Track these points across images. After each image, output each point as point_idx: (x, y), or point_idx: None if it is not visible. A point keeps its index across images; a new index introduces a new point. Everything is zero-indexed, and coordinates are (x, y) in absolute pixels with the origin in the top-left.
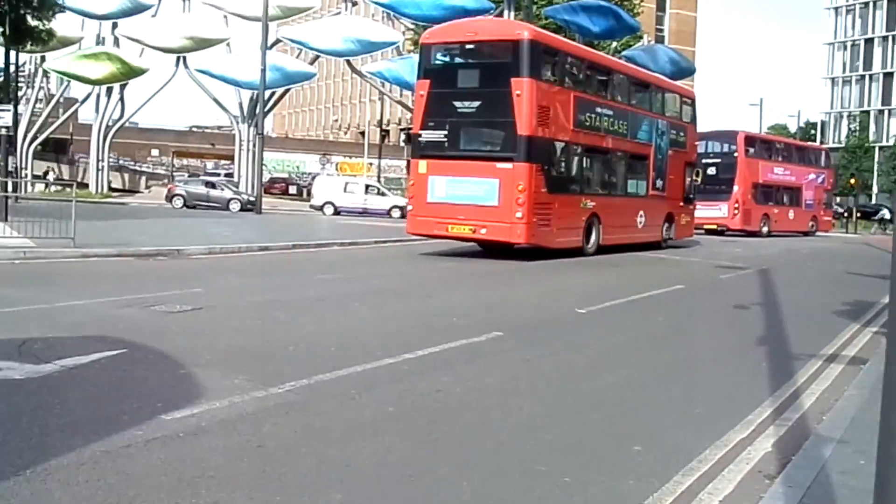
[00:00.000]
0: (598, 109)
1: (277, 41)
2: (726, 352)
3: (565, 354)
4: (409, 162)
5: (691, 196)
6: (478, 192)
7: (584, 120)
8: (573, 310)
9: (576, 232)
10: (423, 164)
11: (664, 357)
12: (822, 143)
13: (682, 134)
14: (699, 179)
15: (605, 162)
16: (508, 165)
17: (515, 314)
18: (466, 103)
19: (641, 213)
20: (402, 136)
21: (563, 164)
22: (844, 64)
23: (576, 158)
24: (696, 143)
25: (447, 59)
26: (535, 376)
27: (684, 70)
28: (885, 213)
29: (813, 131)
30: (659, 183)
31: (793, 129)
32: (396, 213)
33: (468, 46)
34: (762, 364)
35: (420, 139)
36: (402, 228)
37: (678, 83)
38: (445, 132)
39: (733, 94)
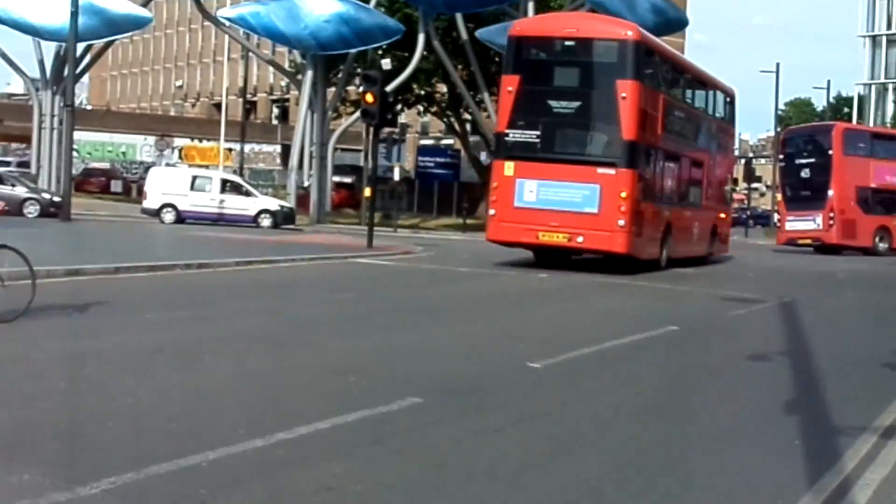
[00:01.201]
0: (677, 113)
1: None
2: (742, 423)
3: (514, 431)
4: (490, 163)
5: (729, 206)
6: (575, 197)
7: (669, 125)
8: (525, 363)
9: (655, 244)
10: (510, 166)
11: (654, 433)
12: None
13: (725, 137)
14: (737, 187)
15: (678, 169)
16: (611, 171)
17: (443, 369)
18: (564, 103)
19: (696, 224)
20: (276, 112)
21: (653, 171)
22: (891, 17)
23: (660, 165)
24: (734, 146)
25: (542, 54)
26: (470, 465)
27: (672, 22)
28: None
29: (847, 109)
30: (710, 192)
31: (819, 104)
32: (267, 222)
33: (567, 43)
34: (794, 442)
35: (507, 139)
36: (281, 241)
37: (667, 42)
38: (538, 132)
39: (739, 58)
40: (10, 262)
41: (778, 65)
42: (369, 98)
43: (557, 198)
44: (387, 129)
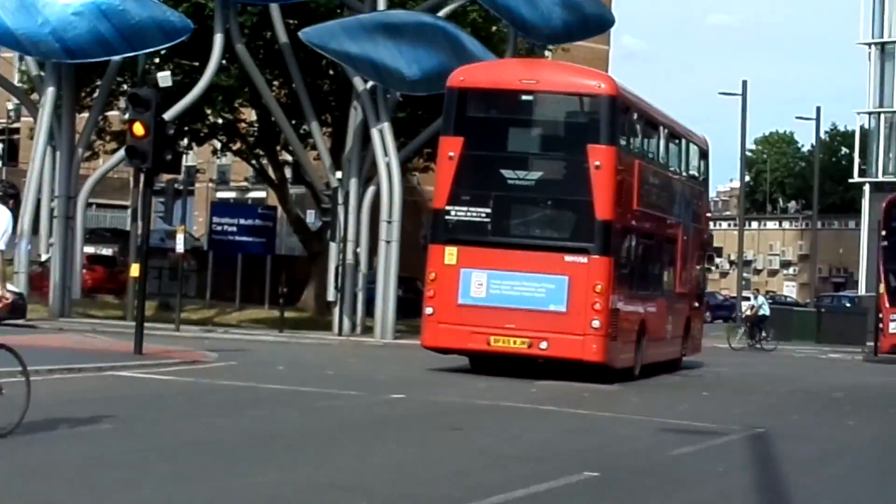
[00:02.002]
0: (651, 180)
1: None
2: None
3: None
4: (425, 246)
5: (703, 293)
6: (537, 292)
7: (645, 196)
8: None
9: (630, 347)
10: (451, 252)
11: None
12: (864, 170)
13: (700, 202)
14: (713, 266)
15: (653, 251)
16: (582, 259)
17: None
18: (521, 173)
19: (670, 319)
20: None
21: (627, 256)
22: None
23: (635, 248)
24: (708, 213)
25: (493, 111)
26: None
27: (591, 21)
28: None
29: (844, 148)
30: (683, 276)
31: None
32: None
33: (525, 97)
34: None
35: (448, 218)
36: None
37: (587, 49)
38: (488, 210)
39: (687, 73)
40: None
41: (745, 84)
42: (139, 129)
43: (514, 293)
44: (166, 176)
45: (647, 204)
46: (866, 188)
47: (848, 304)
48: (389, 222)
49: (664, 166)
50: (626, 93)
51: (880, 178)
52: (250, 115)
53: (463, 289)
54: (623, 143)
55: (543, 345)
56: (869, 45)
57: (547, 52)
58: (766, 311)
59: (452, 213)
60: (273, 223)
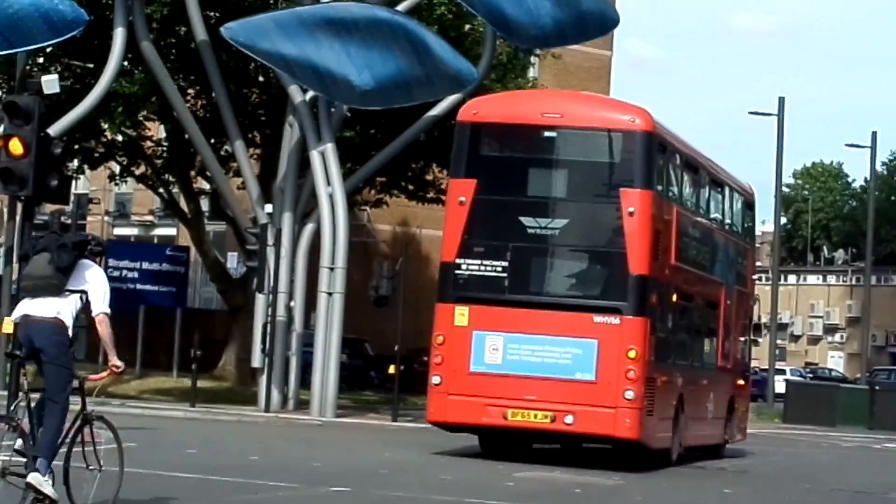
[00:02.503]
0: (691, 231)
1: None
2: None
3: None
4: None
5: (748, 369)
6: (562, 358)
7: (683, 249)
8: None
9: (667, 425)
10: (462, 313)
11: None
12: None
13: (745, 260)
14: (761, 336)
15: (690, 314)
16: (614, 320)
17: None
18: (543, 221)
19: (712, 395)
20: None
21: (664, 318)
22: None
23: (673, 309)
24: (755, 275)
25: (509, 149)
26: None
27: (589, 21)
28: None
29: None
30: (727, 346)
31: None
32: None
33: (547, 134)
34: None
35: (457, 273)
36: None
37: (583, 55)
38: (505, 263)
39: (710, 89)
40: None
41: (781, 102)
42: (16, 147)
43: (535, 359)
44: (50, 207)
45: (685, 259)
46: None
47: None
48: (332, 269)
49: (705, 216)
50: (664, 129)
51: None
52: (158, 131)
53: (476, 354)
54: (660, 187)
55: (569, 419)
56: None
57: (533, 59)
58: None
59: (463, 266)
60: (185, 268)
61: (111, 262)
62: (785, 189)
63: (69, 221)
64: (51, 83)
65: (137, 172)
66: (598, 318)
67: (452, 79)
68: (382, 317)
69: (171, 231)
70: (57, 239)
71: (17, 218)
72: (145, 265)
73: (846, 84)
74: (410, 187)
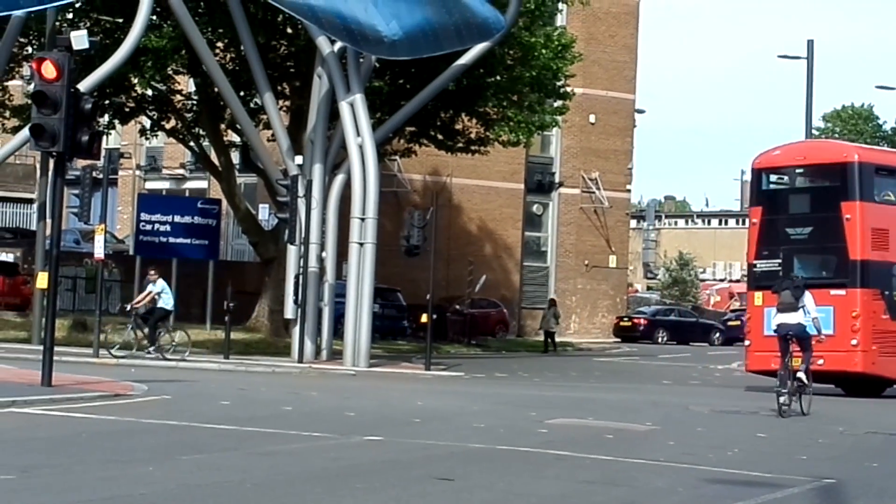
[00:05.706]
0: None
1: None
2: None
3: None
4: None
5: None
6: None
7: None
8: None
9: (893, 360)
10: (758, 296)
11: None
12: None
13: None
14: None
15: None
16: (842, 292)
17: None
18: (798, 229)
19: None
20: None
21: (883, 288)
22: None
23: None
24: None
25: (778, 184)
26: None
27: None
28: None
29: None
30: None
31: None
32: None
33: (798, 171)
34: None
35: (755, 269)
36: None
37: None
38: (779, 260)
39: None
40: None
41: (811, 45)
42: (49, 71)
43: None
44: (81, 162)
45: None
46: None
47: None
48: (363, 219)
49: None
50: (877, 157)
51: None
52: (188, 84)
53: (766, 323)
54: (881, 196)
55: (820, 361)
56: None
57: (561, 5)
58: (167, 303)
59: (758, 265)
60: (216, 221)
61: (143, 217)
62: (815, 132)
63: (100, 177)
64: (80, 39)
65: (168, 126)
66: (832, 292)
67: (480, 27)
68: (414, 266)
69: (203, 184)
70: None
71: (50, 173)
72: (177, 219)
73: (876, 25)
74: (440, 137)
